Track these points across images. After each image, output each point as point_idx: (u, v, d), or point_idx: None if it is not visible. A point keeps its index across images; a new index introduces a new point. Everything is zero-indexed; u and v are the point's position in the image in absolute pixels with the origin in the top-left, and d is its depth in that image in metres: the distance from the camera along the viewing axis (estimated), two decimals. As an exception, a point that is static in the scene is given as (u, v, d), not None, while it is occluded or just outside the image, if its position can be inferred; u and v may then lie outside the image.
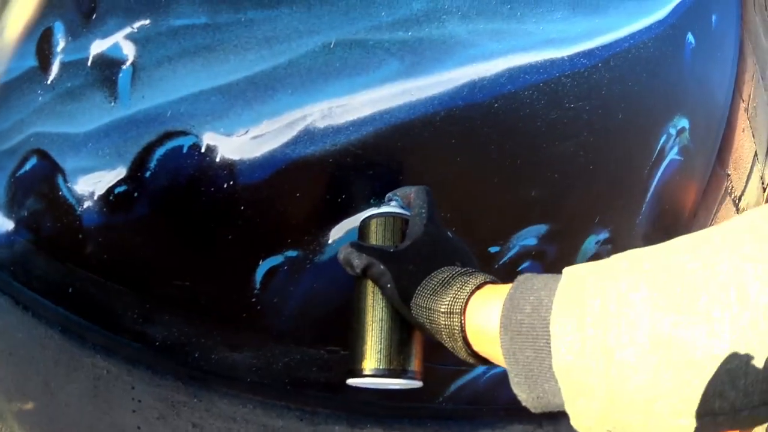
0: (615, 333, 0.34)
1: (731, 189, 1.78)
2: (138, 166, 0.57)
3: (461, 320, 0.46)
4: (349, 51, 0.58)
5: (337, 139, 0.60)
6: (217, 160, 0.55)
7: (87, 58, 0.55)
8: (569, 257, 0.95)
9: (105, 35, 0.54)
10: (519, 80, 0.76)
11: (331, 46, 0.57)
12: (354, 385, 0.56)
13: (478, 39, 0.69)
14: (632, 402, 0.33)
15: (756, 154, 2.12)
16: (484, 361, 0.47)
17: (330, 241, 0.65)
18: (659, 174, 1.13)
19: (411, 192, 0.60)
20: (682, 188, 1.28)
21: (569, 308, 0.37)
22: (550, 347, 0.37)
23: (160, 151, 0.57)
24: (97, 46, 0.55)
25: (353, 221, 0.64)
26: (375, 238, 0.59)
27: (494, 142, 0.76)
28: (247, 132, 0.55)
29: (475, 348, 0.46)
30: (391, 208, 0.60)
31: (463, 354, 0.47)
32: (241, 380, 0.72)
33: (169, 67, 0.54)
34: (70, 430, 0.59)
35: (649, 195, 1.11)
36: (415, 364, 0.55)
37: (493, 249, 0.84)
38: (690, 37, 1.11)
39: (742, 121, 1.82)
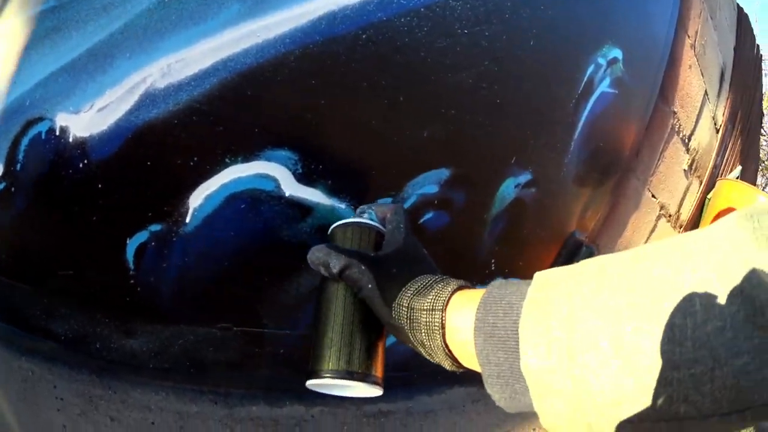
0: (579, 336, 0.34)
1: (679, 127, 1.70)
2: (10, 160, 0.54)
3: (442, 316, 0.46)
4: (184, 1, 0.52)
5: (179, 97, 0.54)
6: (71, 140, 0.52)
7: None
8: (483, 204, 0.86)
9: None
10: (392, 5, 0.64)
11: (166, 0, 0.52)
12: (313, 387, 0.54)
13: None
14: (597, 405, 0.34)
15: (706, 93, 2.04)
16: (459, 364, 0.47)
17: (190, 210, 0.58)
18: (588, 108, 1.03)
19: (388, 209, 0.61)
20: (619, 124, 1.19)
21: (537, 312, 0.38)
22: (518, 347, 0.38)
23: (24, 142, 0.54)
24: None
25: (210, 185, 0.58)
26: (349, 245, 0.57)
27: (365, 78, 0.64)
28: (92, 106, 0.52)
29: (451, 347, 0.46)
30: (366, 219, 0.59)
31: (440, 354, 0.47)
32: (145, 367, 0.67)
33: (25, 56, 0.52)
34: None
35: (577, 131, 1.01)
36: (377, 370, 0.54)
37: (383, 201, 0.73)
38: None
39: (688, 58, 1.72)
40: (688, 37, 1.68)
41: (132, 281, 0.58)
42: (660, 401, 0.32)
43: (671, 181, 1.74)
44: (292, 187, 0.62)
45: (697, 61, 1.81)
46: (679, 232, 2.15)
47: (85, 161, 0.53)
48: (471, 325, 0.43)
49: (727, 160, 2.63)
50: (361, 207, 0.63)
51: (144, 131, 0.54)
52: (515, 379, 0.39)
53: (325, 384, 0.53)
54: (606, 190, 1.21)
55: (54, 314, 0.59)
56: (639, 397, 0.32)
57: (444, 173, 0.79)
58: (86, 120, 0.52)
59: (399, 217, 0.59)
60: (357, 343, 0.53)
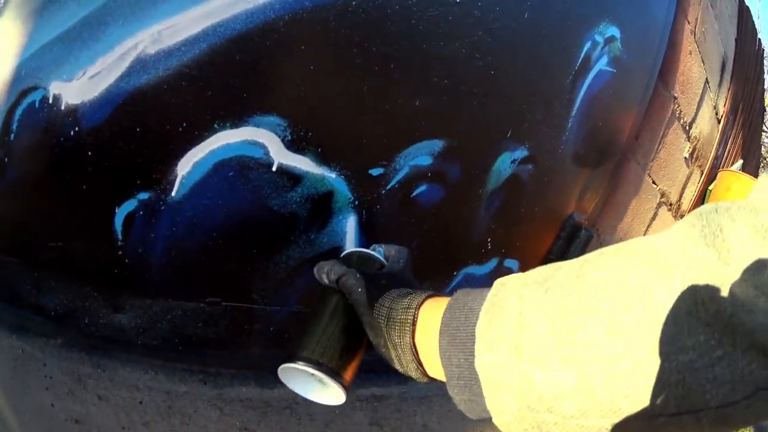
0: (526, 334, 0.35)
1: (679, 113, 1.67)
2: (5, 130, 0.53)
3: (415, 314, 0.48)
4: None
5: (168, 62, 0.53)
6: (63, 108, 0.51)
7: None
8: (478, 178, 0.83)
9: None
10: None
11: None
12: (283, 375, 0.56)
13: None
14: (542, 398, 0.34)
15: (707, 82, 2.00)
16: (424, 371, 0.48)
17: (178, 177, 0.56)
18: (586, 85, 1.00)
19: (393, 249, 0.64)
20: (617, 104, 1.16)
21: (492, 314, 0.39)
22: (474, 347, 0.39)
23: (18, 111, 0.53)
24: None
25: (199, 152, 0.56)
26: (353, 266, 0.60)
27: (356, 45, 0.62)
28: (84, 73, 0.51)
29: (419, 347, 0.48)
30: (372, 252, 0.62)
31: (407, 354, 0.48)
32: (134, 343, 0.65)
33: (23, 27, 0.51)
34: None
35: (575, 108, 0.98)
36: (347, 374, 0.55)
37: (375, 171, 0.71)
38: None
39: (688, 43, 1.69)
40: (688, 22, 1.65)
41: (120, 252, 0.56)
42: (602, 396, 0.32)
43: (672, 168, 1.70)
44: (281, 155, 0.60)
45: (698, 47, 1.78)
46: (678, 220, 2.11)
47: (76, 128, 0.52)
48: (437, 328, 0.44)
49: (728, 152, 2.59)
50: (373, 245, 0.65)
51: (134, 97, 0.53)
52: (473, 380, 0.40)
53: (296, 368, 0.54)
54: (605, 172, 1.18)
55: (44, 288, 0.58)
56: (581, 392, 0.32)
57: (437, 144, 0.76)
58: (78, 87, 0.51)
59: (401, 255, 0.63)
60: (336, 343, 0.55)
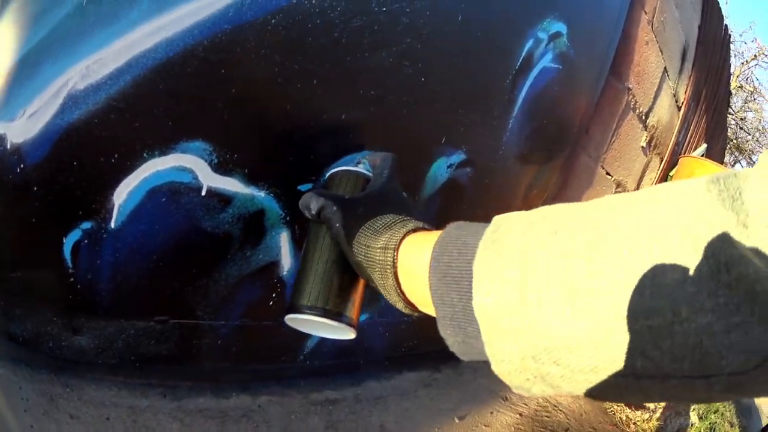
0: (532, 276, 0.32)
1: (635, 104, 1.69)
2: None
3: (394, 256, 0.45)
4: (100, 2, 0.52)
5: (97, 97, 0.54)
6: (8, 147, 0.53)
7: None
8: (412, 186, 0.83)
9: None
10: None
11: (84, 4, 0.52)
12: (290, 323, 0.55)
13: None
14: (549, 349, 0.32)
15: (666, 71, 2.02)
16: (413, 307, 0.46)
17: (115, 206, 0.58)
18: (528, 84, 1.01)
19: (378, 157, 0.62)
20: (564, 100, 1.16)
21: (492, 251, 0.36)
22: (471, 285, 0.36)
23: None
24: None
25: (132, 181, 0.58)
26: (336, 189, 0.60)
27: (277, 65, 0.62)
28: (24, 112, 0.53)
29: (404, 288, 0.45)
30: (356, 167, 0.61)
31: (393, 295, 0.46)
32: (95, 363, 0.68)
33: None
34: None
35: (516, 108, 0.98)
36: (351, 312, 0.54)
37: (304, 187, 0.71)
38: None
39: (644, 34, 1.70)
40: (645, 12, 1.65)
41: (72, 279, 0.59)
42: (614, 351, 0.29)
43: (627, 158, 1.73)
44: (209, 178, 0.61)
45: (656, 37, 1.79)
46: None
47: (22, 166, 0.54)
48: (426, 265, 0.41)
49: (690, 137, 2.63)
50: (357, 157, 0.65)
51: (69, 133, 0.54)
52: (468, 322, 0.37)
53: (299, 319, 0.54)
54: (553, 168, 1.19)
55: (11, 316, 0.60)
56: (592, 344, 0.30)
57: (367, 156, 0.76)
58: (20, 126, 0.53)
59: (385, 164, 0.60)
60: (332, 282, 0.53)
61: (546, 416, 1.52)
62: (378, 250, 0.47)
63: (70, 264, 0.57)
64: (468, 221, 0.41)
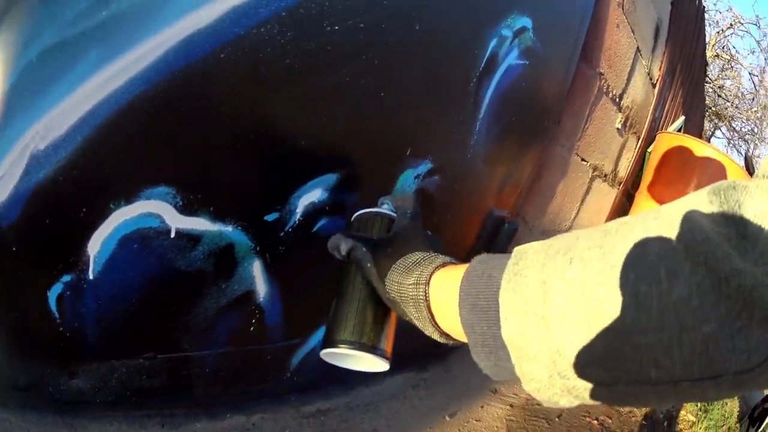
0: (553, 306, 0.36)
1: (607, 88, 1.68)
2: None
3: (426, 290, 0.49)
4: (52, 56, 0.51)
5: (58, 155, 0.54)
6: None
7: None
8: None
9: None
10: (250, 17, 0.60)
11: (33, 60, 0.51)
12: (326, 358, 0.58)
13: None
14: (572, 367, 0.35)
15: (638, 50, 2.01)
16: (448, 336, 0.49)
17: (91, 257, 0.59)
18: (494, 84, 0.99)
19: (400, 197, 0.66)
20: (532, 95, 1.15)
21: (514, 283, 0.39)
22: (499, 316, 0.39)
23: None
24: None
25: (104, 231, 0.59)
26: (362, 231, 0.62)
27: (229, 100, 0.61)
28: None
29: (438, 319, 0.48)
30: (380, 208, 0.64)
31: (429, 327, 0.50)
32: (93, 402, 0.70)
33: None
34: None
35: (482, 110, 0.97)
36: (385, 344, 0.57)
37: (270, 217, 0.71)
38: None
39: (615, 17, 1.68)
40: (615, -6, 1.64)
41: (61, 328, 0.60)
42: (630, 365, 0.33)
43: (603, 141, 1.73)
44: (176, 220, 0.62)
45: (626, 18, 1.77)
46: (618, 189, 2.16)
47: (0, 227, 0.54)
48: (455, 297, 0.44)
49: (667, 112, 2.63)
50: (381, 198, 0.67)
51: (37, 192, 0.54)
52: (498, 347, 0.40)
53: (336, 353, 0.57)
54: (525, 163, 1.19)
55: (12, 364, 0.62)
56: (610, 361, 0.34)
57: (331, 178, 0.75)
58: None
59: (407, 203, 0.64)
60: (368, 318, 0.56)
61: (537, 405, 1.54)
62: (411, 287, 0.50)
63: (56, 315, 0.59)
64: (491, 254, 0.45)
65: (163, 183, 0.59)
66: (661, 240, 0.33)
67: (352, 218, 0.65)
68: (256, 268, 0.73)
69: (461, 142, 0.94)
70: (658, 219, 0.34)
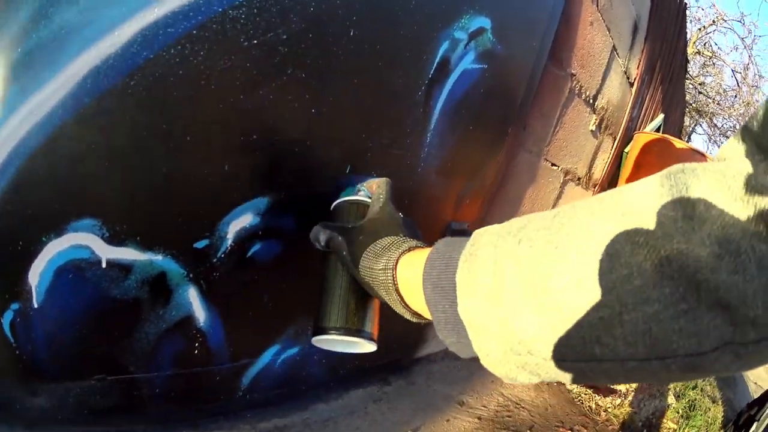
0: (501, 282, 0.37)
1: (579, 89, 1.62)
2: None
3: (393, 274, 0.51)
4: None
5: None
6: None
7: None
8: (321, 220, 0.77)
9: None
10: (158, 40, 0.55)
11: None
12: (317, 344, 0.61)
13: (91, 14, 0.52)
14: (521, 342, 0.36)
15: (615, 49, 1.94)
16: (419, 316, 0.51)
17: (33, 288, 0.60)
18: (445, 92, 0.93)
19: (374, 182, 0.69)
20: (492, 100, 1.08)
21: (469, 263, 0.41)
22: (456, 295, 0.41)
23: None
24: None
25: (40, 263, 0.60)
26: (340, 219, 0.66)
27: (144, 128, 0.58)
28: None
29: (407, 300, 0.51)
30: (356, 196, 0.67)
31: (399, 307, 0.52)
32: (56, 418, 0.71)
33: None
34: None
35: (433, 120, 0.91)
36: (370, 327, 0.60)
37: (200, 244, 0.67)
38: None
39: (588, 15, 1.61)
40: (589, -9, 1.57)
41: (17, 351, 0.63)
42: (574, 341, 0.34)
43: (575, 145, 1.67)
44: (105, 251, 0.62)
45: (602, 16, 1.71)
46: (593, 192, 2.11)
47: None
48: (420, 278, 0.46)
49: (646, 110, 2.58)
50: (357, 185, 0.69)
51: None
52: (458, 324, 0.41)
53: (324, 339, 0.60)
54: (486, 173, 1.13)
55: None
56: (555, 337, 0.34)
57: (261, 202, 0.70)
58: None
59: (381, 189, 0.66)
60: (351, 304, 0.59)
61: (507, 416, 1.50)
62: (379, 271, 0.52)
63: (12, 339, 0.61)
64: (455, 237, 0.46)
65: (88, 215, 0.59)
66: (604, 221, 0.33)
67: (331, 207, 0.68)
68: (192, 295, 0.72)
69: (411, 156, 0.87)
70: (604, 202, 0.34)
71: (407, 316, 0.52)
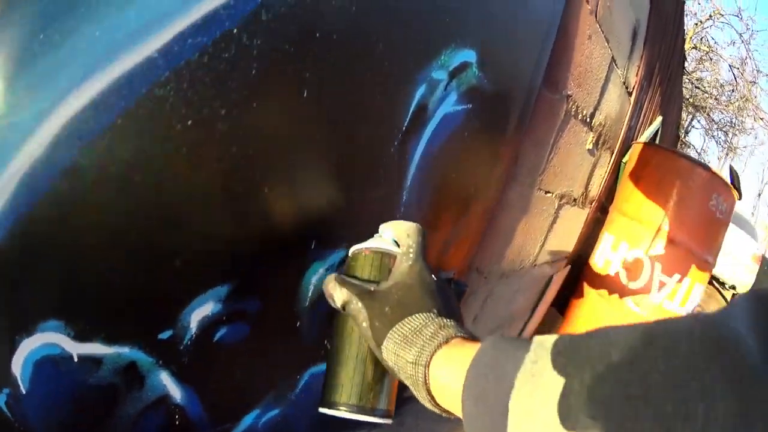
0: (571, 424, 0.32)
1: (576, 109, 1.51)
2: None
3: (425, 372, 0.45)
4: None
5: None
6: None
7: None
8: (287, 300, 0.69)
9: None
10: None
11: None
12: (324, 412, 0.56)
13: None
14: None
15: (614, 60, 1.82)
16: (448, 413, 0.46)
17: (18, 377, 0.58)
18: (424, 142, 0.83)
19: (403, 229, 0.58)
20: (478, 141, 0.98)
21: (530, 388, 0.35)
22: (507, 420, 0.36)
23: None
24: None
25: (19, 357, 0.59)
26: (361, 271, 0.56)
27: (88, 233, 0.53)
28: None
29: (438, 401, 0.45)
30: (381, 243, 0.58)
31: (427, 404, 0.47)
32: None
33: None
34: None
35: (410, 175, 0.81)
36: (385, 403, 0.54)
37: (164, 335, 0.61)
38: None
39: (586, 27, 1.50)
40: (587, 2, 1.45)
41: (16, 424, 0.61)
42: None
43: (571, 168, 1.57)
44: (74, 347, 0.60)
45: (600, 27, 1.59)
46: (588, 208, 2.01)
47: None
48: (460, 383, 0.41)
49: (644, 116, 2.47)
50: (382, 226, 0.61)
51: None
52: None
53: (332, 413, 0.55)
54: (472, 219, 1.04)
55: None
56: None
57: (222, 290, 0.62)
58: None
59: (411, 240, 0.56)
60: (363, 377, 0.53)
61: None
62: (409, 364, 0.46)
63: (10, 416, 0.59)
64: (504, 337, 0.41)
65: (52, 317, 0.56)
66: (700, 373, 0.29)
67: (349, 252, 0.60)
68: (165, 378, 0.68)
69: (385, 215, 0.78)
70: (704, 336, 0.30)
71: (435, 410, 0.47)
